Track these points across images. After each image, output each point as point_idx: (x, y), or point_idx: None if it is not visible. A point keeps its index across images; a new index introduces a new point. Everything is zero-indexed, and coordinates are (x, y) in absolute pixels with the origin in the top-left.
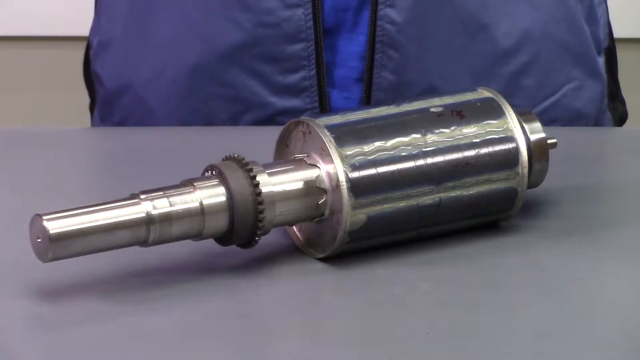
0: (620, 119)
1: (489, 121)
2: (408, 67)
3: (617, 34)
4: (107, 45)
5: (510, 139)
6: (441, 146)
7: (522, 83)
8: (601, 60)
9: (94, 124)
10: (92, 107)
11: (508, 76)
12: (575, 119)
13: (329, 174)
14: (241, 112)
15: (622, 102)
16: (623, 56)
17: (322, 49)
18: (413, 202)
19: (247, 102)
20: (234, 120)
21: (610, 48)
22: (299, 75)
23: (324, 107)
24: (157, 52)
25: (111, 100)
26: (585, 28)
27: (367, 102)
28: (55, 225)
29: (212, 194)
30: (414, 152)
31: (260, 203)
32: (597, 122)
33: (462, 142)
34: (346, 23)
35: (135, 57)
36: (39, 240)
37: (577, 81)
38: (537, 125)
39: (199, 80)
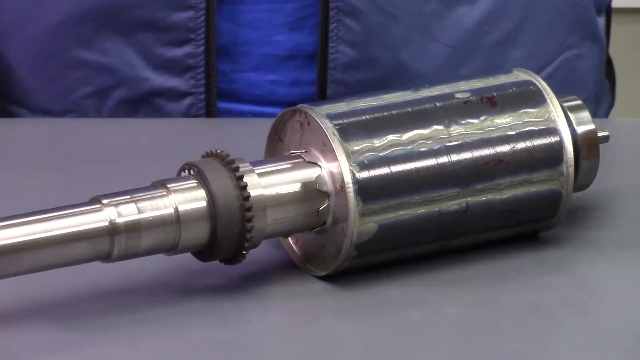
0: (612, 82)
1: (526, 110)
2: (370, 39)
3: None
4: None
5: (553, 131)
6: (468, 140)
7: (510, 55)
8: (601, 21)
9: None
10: None
11: (491, 48)
12: (573, 93)
13: (331, 174)
14: (110, 87)
15: (610, 62)
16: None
17: (214, 20)
18: (434, 208)
19: (119, 74)
20: (99, 98)
21: (609, 5)
22: (184, 50)
23: (210, 92)
24: (19, 2)
25: None
26: None
27: (322, 83)
28: None
29: (189, 199)
30: (435, 148)
31: (248, 209)
32: (597, 95)
33: (494, 135)
34: None
35: None
36: None
37: (575, 49)
38: (586, 114)
39: (62, 41)
